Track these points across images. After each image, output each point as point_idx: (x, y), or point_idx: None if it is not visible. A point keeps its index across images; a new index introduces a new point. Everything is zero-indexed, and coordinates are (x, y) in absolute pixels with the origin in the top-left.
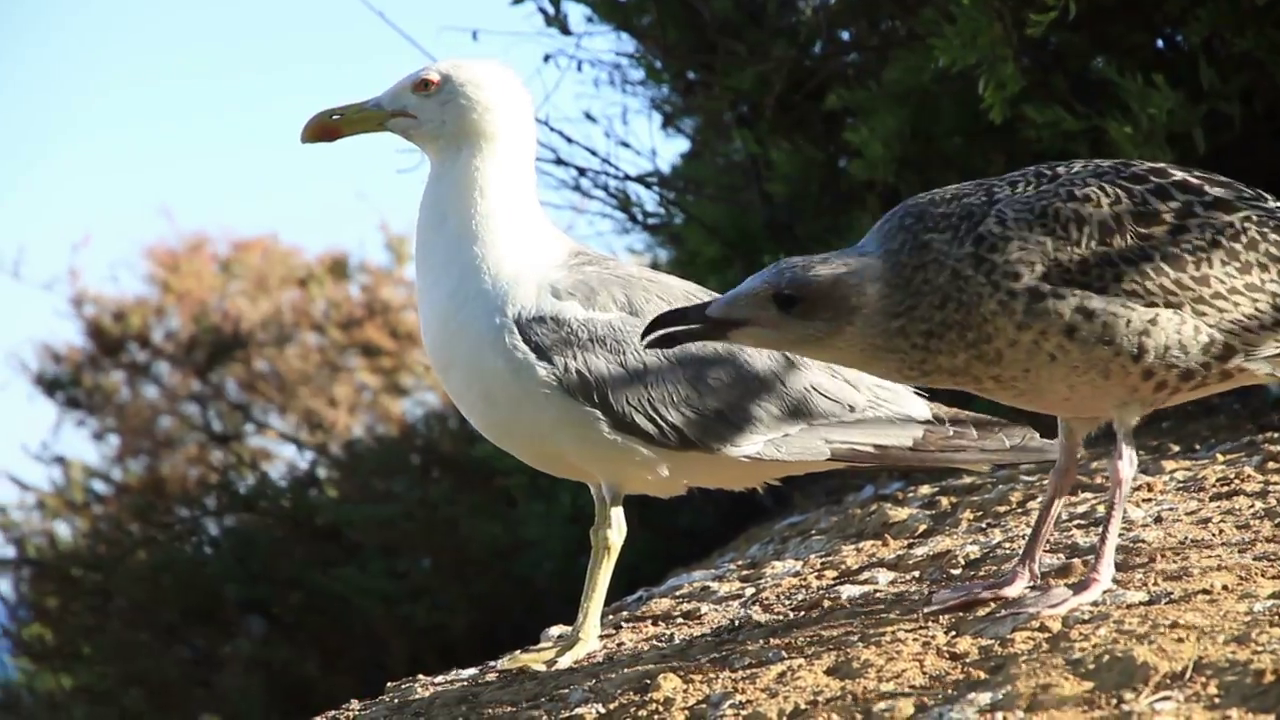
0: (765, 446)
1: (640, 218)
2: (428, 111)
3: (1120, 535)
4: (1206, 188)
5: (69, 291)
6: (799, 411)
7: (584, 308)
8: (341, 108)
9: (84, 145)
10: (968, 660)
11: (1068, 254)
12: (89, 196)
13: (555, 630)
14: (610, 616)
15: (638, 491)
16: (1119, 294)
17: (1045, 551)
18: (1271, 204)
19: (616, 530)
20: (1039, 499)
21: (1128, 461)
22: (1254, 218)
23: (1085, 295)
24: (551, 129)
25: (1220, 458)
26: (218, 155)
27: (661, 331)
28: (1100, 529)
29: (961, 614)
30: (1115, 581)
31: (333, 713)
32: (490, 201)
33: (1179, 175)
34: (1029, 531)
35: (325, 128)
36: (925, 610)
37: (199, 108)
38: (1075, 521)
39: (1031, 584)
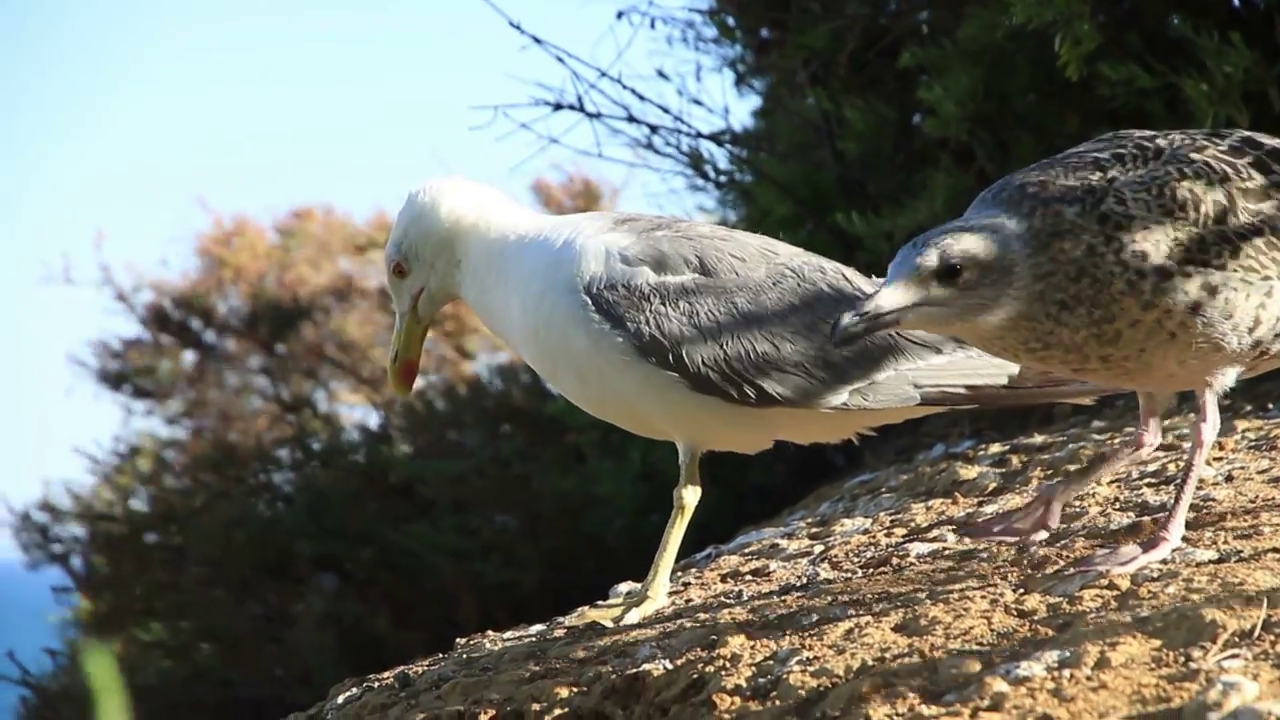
0: (851, 396)
1: (712, 175)
2: (421, 279)
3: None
4: None
5: (126, 283)
6: (884, 358)
7: (656, 273)
8: (391, 349)
9: (117, 144)
10: (1035, 618)
11: (1187, 233)
12: (126, 193)
13: (624, 587)
14: (679, 573)
15: (725, 449)
16: (1237, 270)
17: (1116, 510)
18: None
19: (691, 490)
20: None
21: (1211, 425)
22: None
23: (1207, 272)
24: (624, 86)
25: None
26: (273, 119)
27: (843, 333)
28: (1175, 488)
29: (1031, 572)
30: (1185, 540)
31: (402, 668)
32: (504, 240)
33: (1270, 143)
34: (1094, 491)
35: (403, 371)
36: (962, 532)
37: (257, 73)
38: (1145, 480)
39: (1047, 524)
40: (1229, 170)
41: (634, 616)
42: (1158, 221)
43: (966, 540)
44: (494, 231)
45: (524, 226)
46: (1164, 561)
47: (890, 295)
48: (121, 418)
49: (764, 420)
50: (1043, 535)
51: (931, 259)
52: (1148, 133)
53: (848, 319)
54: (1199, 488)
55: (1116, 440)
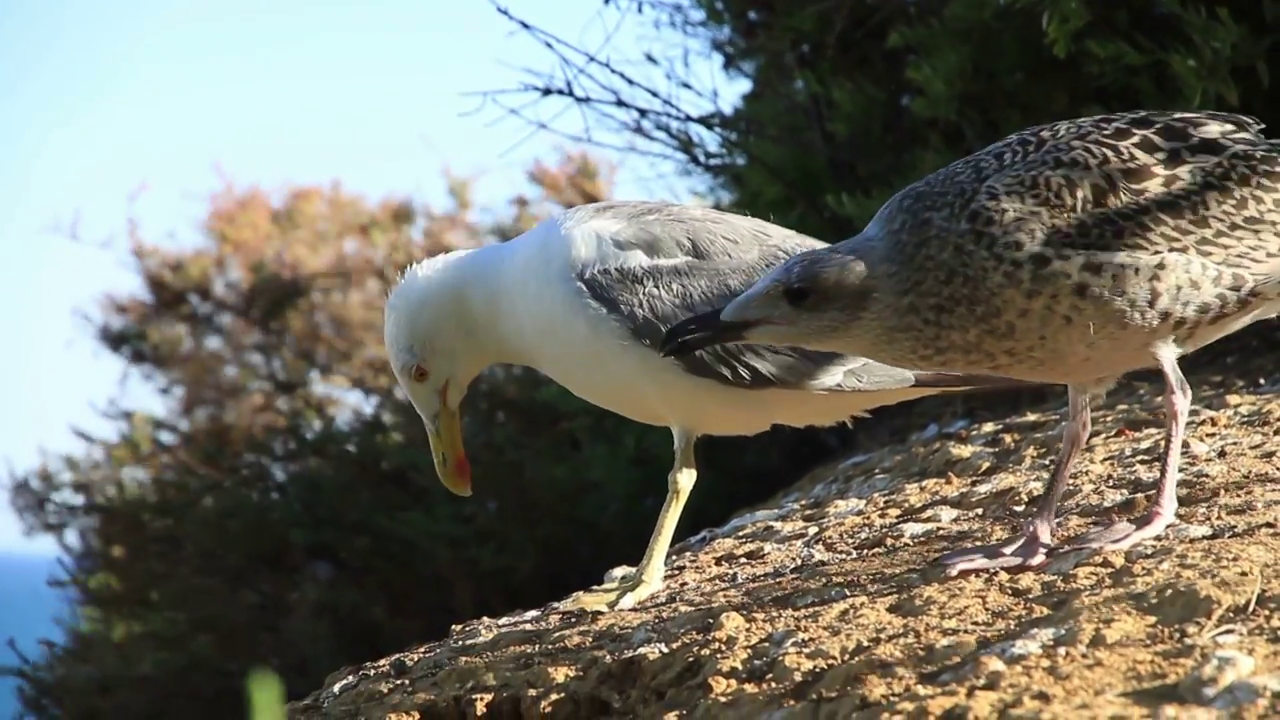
0: (845, 378)
1: (702, 159)
2: (444, 371)
3: (1183, 470)
4: (1191, 130)
5: (128, 245)
6: None
7: (648, 256)
8: (437, 455)
9: (136, 106)
10: (1030, 596)
11: (1065, 220)
12: (142, 156)
13: (619, 571)
14: (674, 557)
15: (722, 432)
16: (1122, 248)
17: (1109, 487)
18: (1255, 133)
19: (686, 474)
20: (1102, 435)
21: (1180, 394)
22: (1240, 152)
23: (1090, 253)
24: (612, 71)
25: None
26: (272, 107)
27: (680, 340)
28: (1160, 463)
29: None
30: (1178, 516)
31: (398, 655)
32: (499, 264)
33: (1162, 122)
34: (1087, 469)
35: (458, 470)
36: (945, 574)
37: (256, 63)
38: (1139, 457)
39: (1049, 547)
40: (1109, 153)
41: (629, 601)
42: (1032, 211)
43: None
44: (489, 267)
45: (507, 246)
46: (1158, 538)
47: (735, 311)
48: (119, 378)
49: (759, 401)
50: (1041, 559)
51: (779, 284)
52: (1039, 126)
53: (685, 327)
54: (1191, 464)
55: (1110, 415)
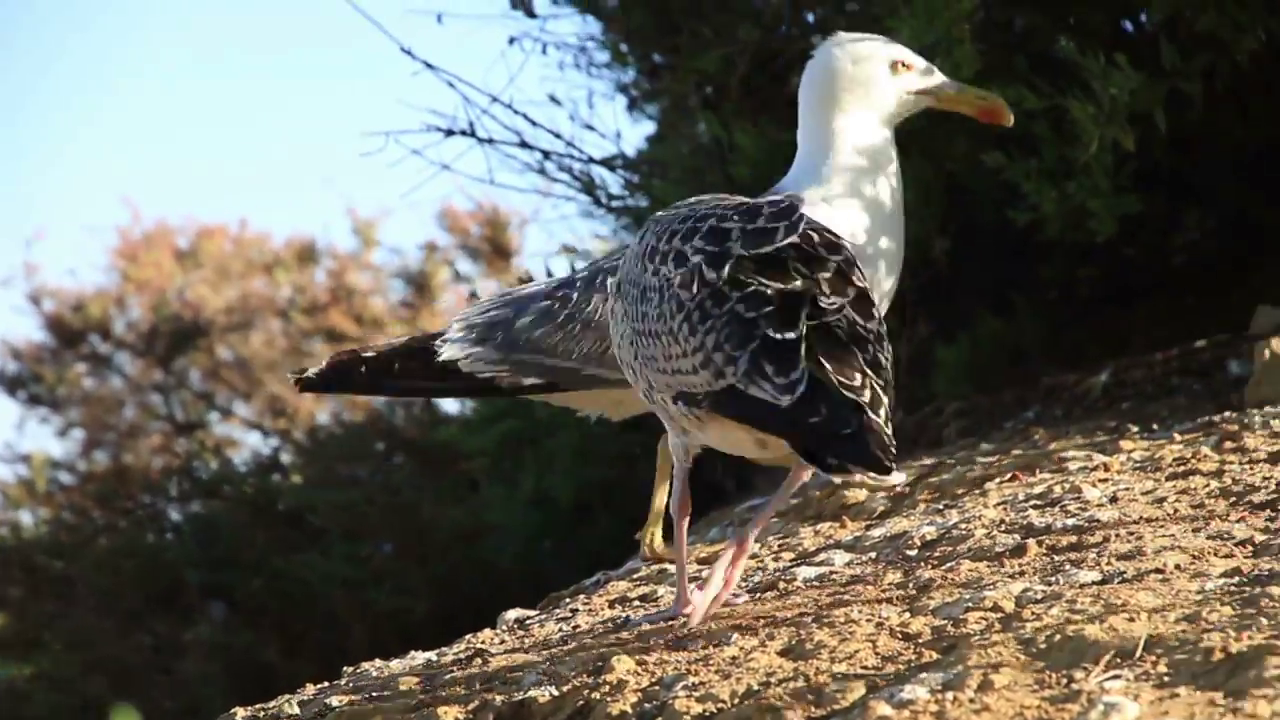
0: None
1: (605, 201)
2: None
3: (1075, 515)
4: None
5: (26, 287)
6: None
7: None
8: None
9: (42, 137)
10: (920, 641)
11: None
12: (48, 189)
13: (513, 614)
14: (567, 600)
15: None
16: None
17: (1001, 531)
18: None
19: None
20: (996, 479)
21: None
22: (637, 280)
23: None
24: (516, 112)
25: (1178, 437)
26: (178, 144)
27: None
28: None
29: (916, 594)
30: (1070, 561)
31: (288, 696)
32: None
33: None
34: (981, 513)
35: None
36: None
37: (160, 96)
38: (1032, 502)
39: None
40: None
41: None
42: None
43: (896, 600)
44: None
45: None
46: (1048, 584)
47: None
48: (15, 421)
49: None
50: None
51: None
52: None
53: None
54: (1083, 509)
55: (1004, 460)
